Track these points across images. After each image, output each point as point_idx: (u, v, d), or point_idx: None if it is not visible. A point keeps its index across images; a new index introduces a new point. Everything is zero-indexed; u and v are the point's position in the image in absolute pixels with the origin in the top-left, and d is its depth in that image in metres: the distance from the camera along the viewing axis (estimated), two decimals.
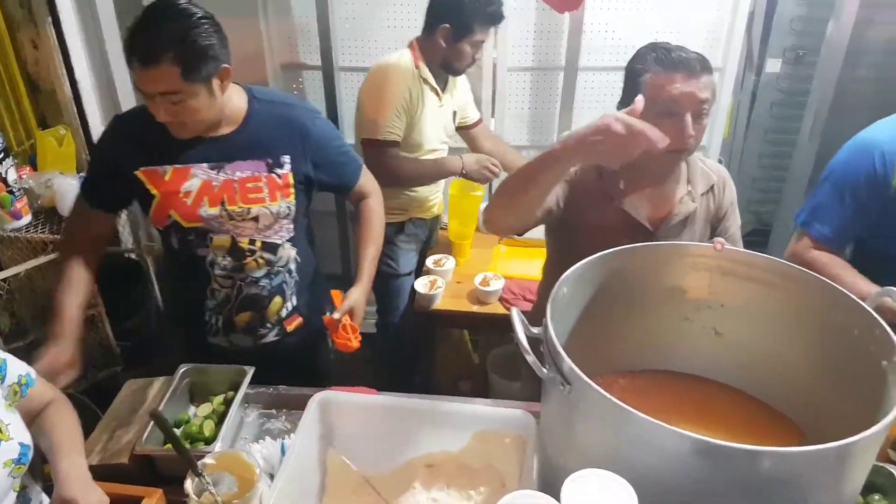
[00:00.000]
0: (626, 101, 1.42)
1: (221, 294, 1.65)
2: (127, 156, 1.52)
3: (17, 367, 1.18)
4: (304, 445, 1.20)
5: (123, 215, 2.65)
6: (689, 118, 1.38)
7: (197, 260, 1.60)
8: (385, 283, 2.51)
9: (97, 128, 2.67)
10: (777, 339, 1.20)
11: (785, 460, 0.80)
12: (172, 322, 1.82)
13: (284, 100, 1.65)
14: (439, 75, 2.29)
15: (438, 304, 2.41)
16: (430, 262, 2.49)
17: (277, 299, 1.69)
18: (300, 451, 1.18)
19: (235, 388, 1.47)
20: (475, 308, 2.38)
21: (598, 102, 2.91)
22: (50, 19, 2.45)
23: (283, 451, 1.32)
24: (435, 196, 2.56)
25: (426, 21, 2.24)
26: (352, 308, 1.63)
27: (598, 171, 1.52)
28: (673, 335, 1.33)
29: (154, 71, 1.34)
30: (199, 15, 1.38)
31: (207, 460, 1.17)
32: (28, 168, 2.59)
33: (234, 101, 1.53)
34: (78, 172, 2.60)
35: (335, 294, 1.69)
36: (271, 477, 1.25)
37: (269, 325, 1.71)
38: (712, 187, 1.60)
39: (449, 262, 2.50)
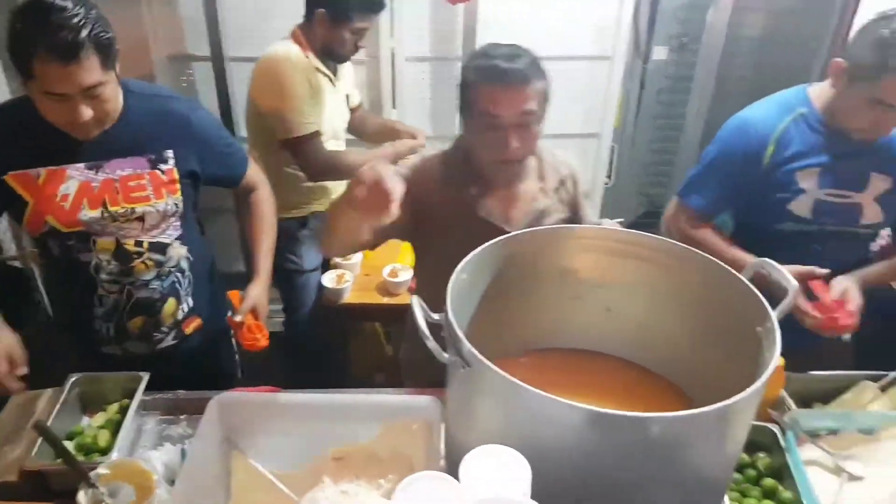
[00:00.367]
0: (462, 111, 1.44)
1: (110, 300, 1.57)
2: None
3: None
4: (205, 449, 1.17)
5: (4, 221, 2.48)
6: (511, 131, 1.37)
7: (80, 266, 1.51)
8: (290, 280, 2.47)
9: None
10: (662, 312, 1.27)
11: (671, 424, 0.84)
12: (62, 332, 1.74)
13: (160, 92, 1.58)
14: (328, 62, 2.27)
15: (348, 298, 2.39)
16: None
17: (171, 301, 1.63)
18: (200, 455, 1.15)
19: (131, 396, 1.41)
20: (385, 300, 2.39)
21: None
22: None
23: (184, 457, 1.28)
24: (338, 188, 2.54)
25: (305, 7, 2.22)
26: (254, 306, 1.59)
27: (442, 180, 1.50)
28: (568, 314, 1.37)
29: (76, 66, 1.26)
30: (89, 2, 1.31)
31: (101, 470, 1.12)
32: None
33: None
34: None
35: (232, 295, 1.64)
36: (174, 484, 1.21)
37: (164, 329, 1.65)
38: (563, 181, 1.60)
39: (356, 255, 2.48)
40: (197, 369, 1.66)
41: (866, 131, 1.53)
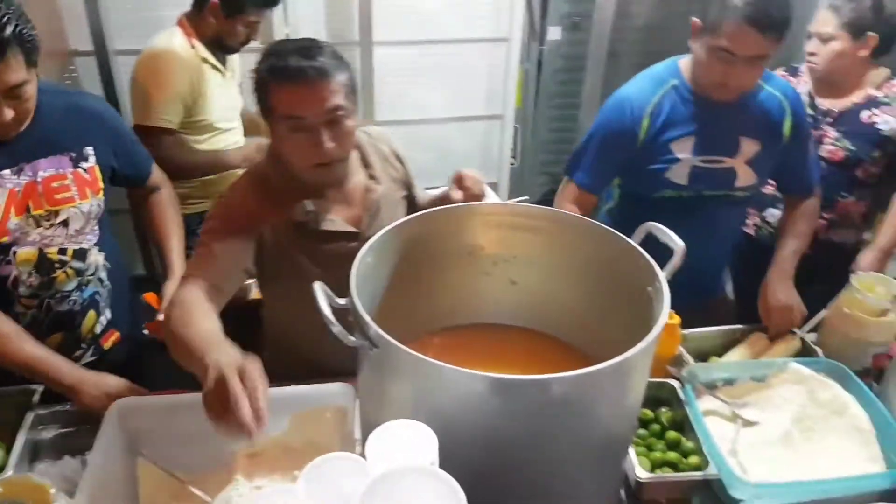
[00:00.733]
0: (265, 117, 1.33)
1: (28, 317, 1.45)
2: None
3: None
4: (106, 458, 1.12)
5: None
6: (322, 131, 1.27)
7: None
8: None
9: None
10: (563, 281, 1.31)
11: (570, 383, 0.88)
12: None
13: (66, 89, 1.52)
14: (217, 52, 2.20)
15: (255, 294, 2.33)
16: None
17: (91, 314, 1.54)
18: (101, 464, 1.10)
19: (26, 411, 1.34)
20: None
21: (397, 77, 2.95)
22: None
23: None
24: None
25: None
26: None
27: (268, 202, 1.38)
28: (477, 290, 1.40)
29: (2, 65, 1.18)
30: None
31: None
32: None
33: None
34: None
35: (149, 297, 1.57)
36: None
37: (83, 345, 1.55)
38: (386, 158, 1.55)
39: None
40: None
41: (720, 87, 1.59)
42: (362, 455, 0.87)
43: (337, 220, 1.44)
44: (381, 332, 0.93)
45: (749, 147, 1.69)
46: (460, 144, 3.30)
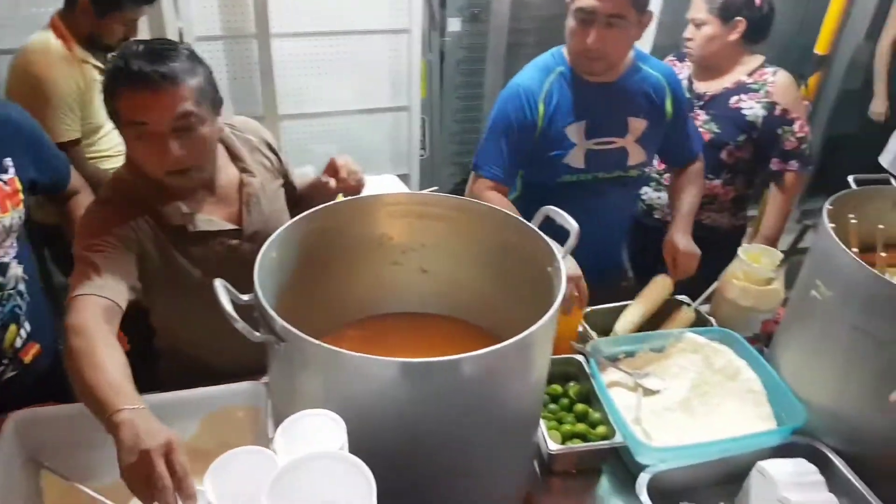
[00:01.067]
0: (113, 122, 1.26)
1: None
2: None
3: None
4: (5, 472, 1.08)
5: None
6: (170, 139, 1.21)
7: None
8: None
9: None
10: (469, 266, 1.34)
11: (476, 362, 0.91)
12: None
13: None
14: (96, 51, 2.09)
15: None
16: None
17: (12, 328, 1.45)
18: (1, 480, 1.04)
19: None
20: None
21: (297, 69, 2.91)
22: None
23: None
24: None
25: None
26: None
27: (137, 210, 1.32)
28: (388, 280, 1.41)
29: None
30: None
31: None
32: None
33: None
34: None
35: None
36: None
37: (5, 360, 1.46)
38: (257, 148, 1.50)
39: None
40: (44, 398, 1.47)
41: (583, 55, 1.65)
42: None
43: (214, 220, 1.39)
44: (286, 325, 0.93)
45: (637, 126, 1.77)
46: (368, 136, 3.29)
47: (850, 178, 1.49)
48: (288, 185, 1.58)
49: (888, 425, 1.23)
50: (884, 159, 3.17)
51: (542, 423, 1.30)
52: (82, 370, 1.04)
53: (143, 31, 2.32)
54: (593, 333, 1.56)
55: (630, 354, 1.52)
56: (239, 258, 1.36)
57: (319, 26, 2.87)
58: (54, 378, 1.59)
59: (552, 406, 1.41)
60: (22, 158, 1.40)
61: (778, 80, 2.09)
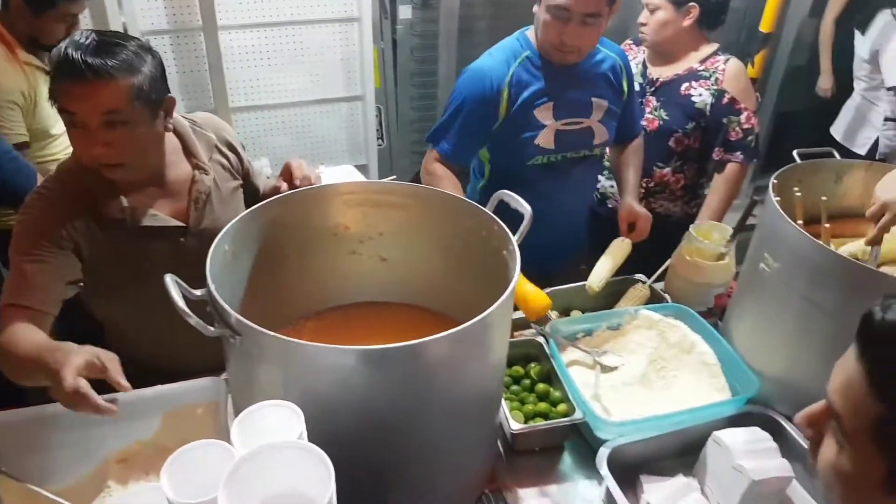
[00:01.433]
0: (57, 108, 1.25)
1: None
2: None
3: None
4: None
5: None
6: (97, 133, 1.19)
7: None
8: None
9: None
10: (427, 252, 1.35)
11: (435, 345, 0.91)
12: None
13: None
14: (41, 52, 2.02)
15: None
16: None
17: None
18: None
19: None
20: None
21: (247, 61, 2.87)
22: None
23: None
24: None
25: None
26: None
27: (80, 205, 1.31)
28: (347, 270, 1.41)
29: None
30: None
31: None
32: None
33: None
34: None
35: None
36: None
37: None
38: (216, 147, 1.48)
39: None
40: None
41: (559, 48, 1.68)
42: None
43: (159, 215, 1.36)
44: (241, 318, 0.92)
45: (600, 106, 1.80)
46: (324, 127, 3.26)
47: (795, 153, 1.53)
48: (250, 186, 1.56)
49: None
50: (836, 131, 3.25)
51: (504, 403, 1.32)
52: (12, 355, 1.13)
53: (86, 28, 2.26)
54: (552, 314, 1.58)
55: (588, 333, 1.55)
56: (186, 256, 1.33)
57: (267, 17, 2.83)
58: (7, 383, 1.56)
59: (514, 387, 1.43)
60: None
61: (729, 68, 2.09)
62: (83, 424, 1.17)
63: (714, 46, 2.15)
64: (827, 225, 1.46)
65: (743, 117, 2.08)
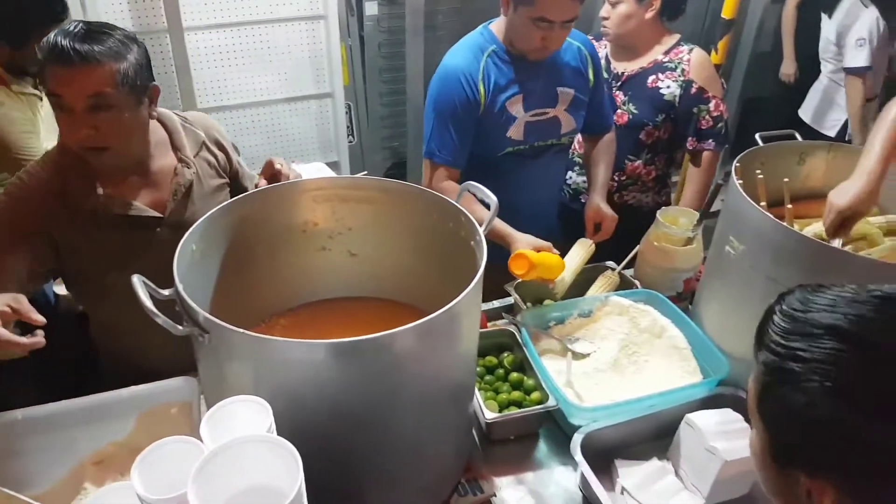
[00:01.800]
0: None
1: None
2: None
3: None
4: None
5: None
6: (82, 117, 1.23)
7: None
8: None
9: None
10: (397, 246, 1.35)
11: (404, 336, 0.92)
12: None
13: None
14: (28, 77, 1.99)
15: None
16: None
17: None
18: None
19: None
20: None
21: (214, 62, 2.85)
22: None
23: None
24: None
25: None
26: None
27: (61, 191, 1.34)
28: (317, 266, 1.41)
29: None
30: None
31: None
32: None
33: None
34: None
35: None
36: None
37: None
38: (205, 144, 1.51)
39: None
40: None
41: (539, 50, 1.70)
42: None
43: (135, 205, 1.38)
44: (209, 316, 0.92)
45: (565, 95, 1.82)
46: (294, 126, 3.26)
47: (757, 136, 1.56)
48: (238, 188, 1.57)
49: None
50: (804, 114, 3.31)
51: (478, 393, 1.33)
52: None
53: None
54: (522, 303, 1.60)
55: (560, 321, 1.56)
56: (163, 247, 1.32)
57: (233, 17, 2.81)
58: None
59: (488, 377, 1.44)
60: None
61: (693, 58, 2.09)
62: (56, 427, 1.18)
63: (676, 37, 2.15)
64: (790, 206, 1.48)
65: (712, 105, 2.10)
